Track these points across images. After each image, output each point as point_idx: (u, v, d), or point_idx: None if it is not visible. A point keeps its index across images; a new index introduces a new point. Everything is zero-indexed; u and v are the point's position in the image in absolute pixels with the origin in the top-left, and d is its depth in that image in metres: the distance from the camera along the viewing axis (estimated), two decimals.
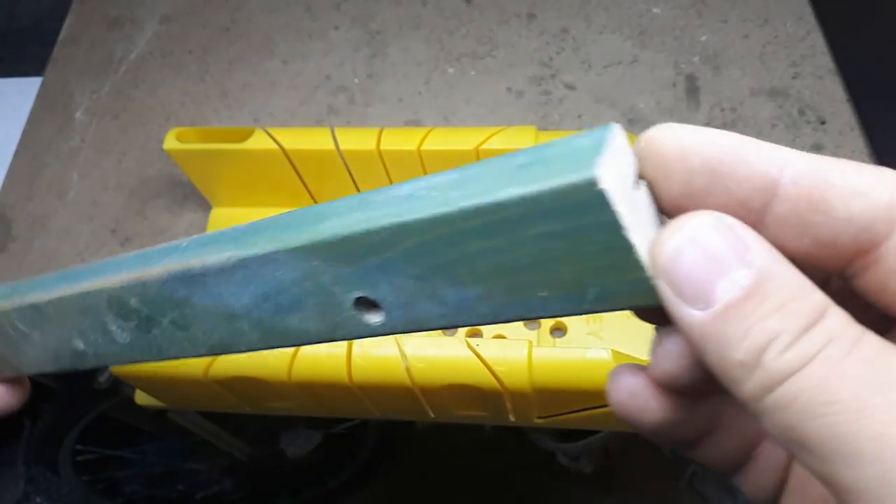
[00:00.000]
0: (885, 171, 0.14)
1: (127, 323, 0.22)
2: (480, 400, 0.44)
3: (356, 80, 0.61)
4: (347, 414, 0.57)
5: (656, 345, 0.16)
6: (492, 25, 0.63)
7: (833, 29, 0.60)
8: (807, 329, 0.12)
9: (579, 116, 0.57)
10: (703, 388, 0.17)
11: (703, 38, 0.60)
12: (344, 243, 0.16)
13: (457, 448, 0.88)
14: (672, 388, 0.17)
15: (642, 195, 0.15)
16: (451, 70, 0.61)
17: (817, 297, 0.13)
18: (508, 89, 0.59)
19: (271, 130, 0.49)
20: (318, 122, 0.59)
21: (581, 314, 0.15)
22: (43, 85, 0.65)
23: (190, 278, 0.20)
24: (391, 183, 0.50)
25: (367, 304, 0.17)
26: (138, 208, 0.57)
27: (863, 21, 0.67)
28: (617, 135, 0.14)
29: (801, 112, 0.56)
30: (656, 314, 0.17)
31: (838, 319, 0.13)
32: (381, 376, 0.42)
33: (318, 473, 0.79)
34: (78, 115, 0.62)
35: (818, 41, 0.59)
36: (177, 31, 0.66)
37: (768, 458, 0.18)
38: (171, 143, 0.49)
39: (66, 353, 0.25)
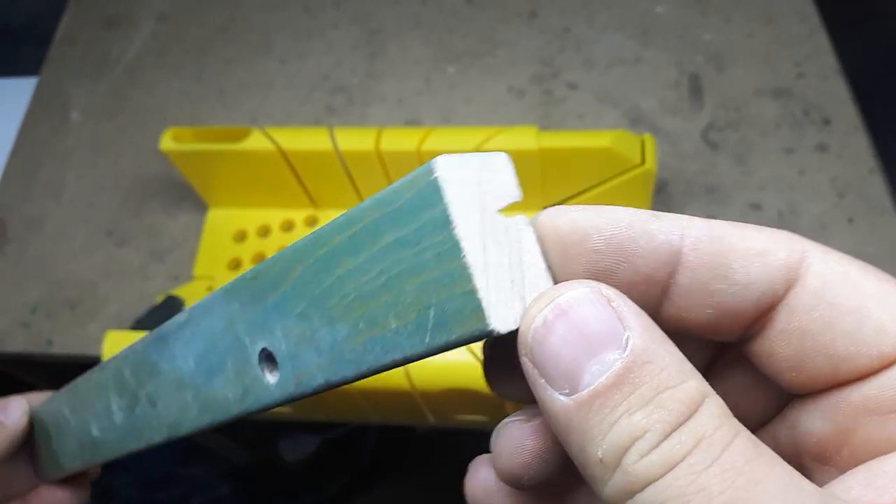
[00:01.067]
0: (782, 232, 0.14)
1: (122, 400, 0.24)
2: (481, 404, 0.43)
3: (355, 80, 0.61)
4: (346, 418, 0.56)
5: (495, 437, 0.15)
6: (493, 24, 0.62)
7: (837, 28, 0.59)
8: (675, 427, 0.11)
9: (581, 116, 0.56)
10: (559, 488, 0.15)
11: (706, 38, 0.59)
12: (255, 278, 0.17)
13: (457, 453, 0.88)
14: (521, 487, 0.16)
15: (512, 231, 0.14)
16: (451, 69, 0.60)
17: (693, 385, 0.12)
18: (509, 89, 0.59)
19: (269, 131, 0.48)
20: (317, 123, 0.59)
21: (427, 352, 0.14)
22: (39, 85, 0.64)
23: (161, 339, 0.21)
24: (390, 183, 0.50)
25: (268, 358, 0.17)
26: (134, 209, 0.56)
27: (867, 21, 0.67)
28: (494, 160, 0.14)
29: (806, 112, 0.55)
30: (509, 385, 0.16)
31: (713, 416, 0.11)
32: (380, 380, 0.41)
33: (317, 479, 0.78)
34: (74, 115, 0.62)
35: (822, 41, 0.58)
36: (174, 30, 0.65)
37: None
38: (167, 143, 0.49)
39: (86, 442, 0.27)
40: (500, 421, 0.49)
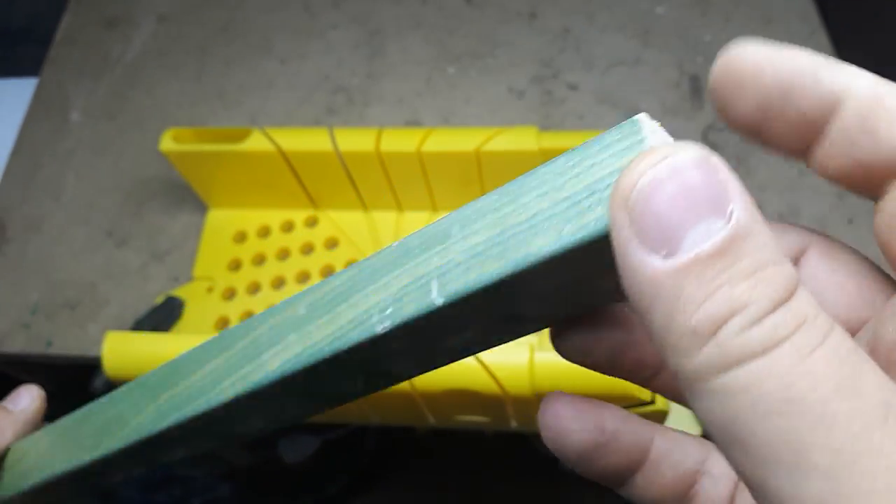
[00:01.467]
0: None
1: None
2: (481, 405, 0.43)
3: (355, 80, 0.61)
4: (346, 419, 0.56)
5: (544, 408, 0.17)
6: (493, 25, 0.62)
7: (837, 29, 0.59)
8: (778, 305, 0.11)
9: (581, 117, 0.56)
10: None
11: (707, 38, 0.59)
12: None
13: (457, 453, 0.87)
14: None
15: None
16: (451, 70, 0.60)
17: (789, 269, 0.11)
18: (510, 89, 0.59)
19: (269, 131, 0.48)
20: (317, 123, 0.59)
21: (560, 165, 0.13)
22: (39, 86, 0.64)
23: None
24: (390, 184, 0.50)
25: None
26: (134, 210, 0.56)
27: (867, 21, 0.67)
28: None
29: None
30: (576, 345, 0.17)
31: (810, 302, 0.11)
32: None
33: (317, 480, 0.78)
34: (74, 116, 0.61)
35: (823, 41, 0.58)
36: (174, 30, 0.65)
37: (706, 497, 0.17)
38: (167, 144, 0.49)
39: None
40: (500, 422, 0.48)
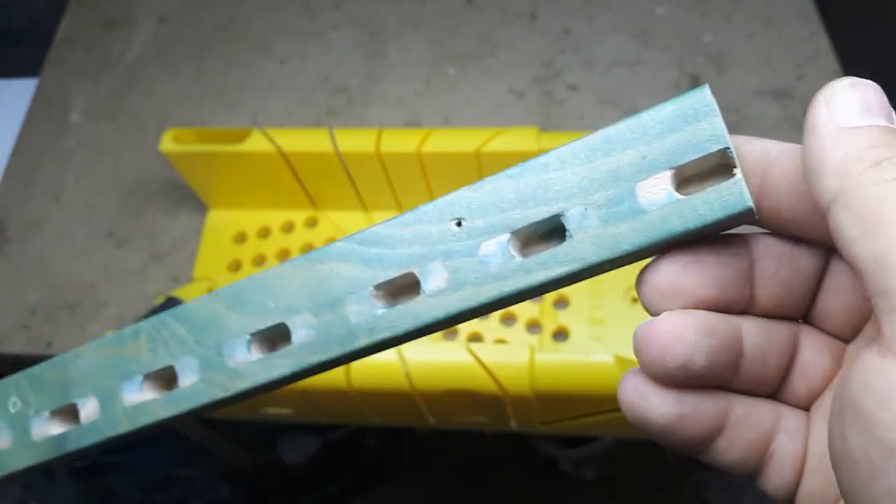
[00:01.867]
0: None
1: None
2: (481, 406, 0.43)
3: (355, 81, 0.61)
4: (346, 420, 0.56)
5: (638, 333, 0.18)
6: (493, 25, 0.62)
7: (838, 30, 0.59)
8: None
9: (581, 117, 0.56)
10: (699, 379, 0.18)
11: (707, 39, 0.59)
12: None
13: (457, 454, 0.87)
14: (670, 381, 0.18)
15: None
16: (451, 70, 0.60)
17: None
18: (510, 90, 0.59)
19: (269, 132, 0.48)
20: (317, 124, 0.59)
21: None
22: (39, 86, 0.64)
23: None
24: (390, 185, 0.50)
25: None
26: (134, 210, 0.56)
27: (868, 22, 0.67)
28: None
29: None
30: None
31: None
32: (380, 382, 0.41)
33: (317, 480, 0.78)
34: (74, 116, 0.62)
35: (823, 42, 0.58)
36: (173, 31, 0.65)
37: (784, 452, 0.19)
38: (167, 144, 0.49)
39: None
40: (500, 423, 0.48)
